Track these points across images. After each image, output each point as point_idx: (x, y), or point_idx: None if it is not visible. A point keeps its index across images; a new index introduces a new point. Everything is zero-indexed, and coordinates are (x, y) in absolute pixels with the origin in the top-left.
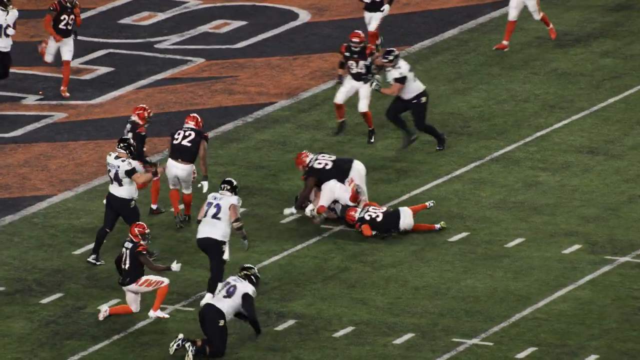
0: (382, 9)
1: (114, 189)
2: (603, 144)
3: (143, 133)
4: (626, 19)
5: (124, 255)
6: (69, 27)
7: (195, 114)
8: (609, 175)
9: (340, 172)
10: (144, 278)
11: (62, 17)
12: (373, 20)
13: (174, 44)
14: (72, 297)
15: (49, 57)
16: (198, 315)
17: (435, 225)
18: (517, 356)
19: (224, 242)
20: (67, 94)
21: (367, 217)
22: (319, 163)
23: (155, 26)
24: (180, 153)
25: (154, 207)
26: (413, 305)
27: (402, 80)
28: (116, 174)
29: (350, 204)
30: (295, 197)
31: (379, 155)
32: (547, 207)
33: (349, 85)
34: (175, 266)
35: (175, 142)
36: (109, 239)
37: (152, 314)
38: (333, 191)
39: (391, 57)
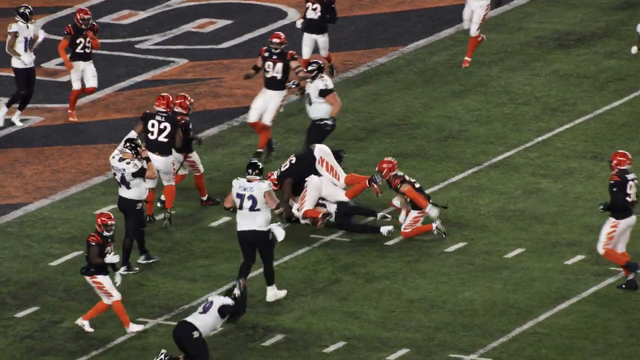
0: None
1: (123, 192)
2: (607, 149)
3: (184, 122)
4: (631, 18)
5: None
6: (87, 51)
7: (165, 94)
8: None
9: (307, 161)
10: (100, 278)
11: (78, 41)
12: (320, 45)
13: (155, 44)
14: (48, 310)
15: (76, 84)
16: (173, 335)
17: (433, 225)
18: None
19: (269, 231)
20: (76, 119)
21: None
22: (285, 166)
23: (135, 25)
24: (157, 147)
25: (204, 198)
26: (407, 319)
27: (330, 91)
28: (122, 177)
29: (345, 198)
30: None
31: (372, 161)
32: (549, 215)
33: (262, 99)
34: (109, 258)
35: (151, 136)
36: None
37: (129, 330)
38: (319, 188)
39: (312, 68)
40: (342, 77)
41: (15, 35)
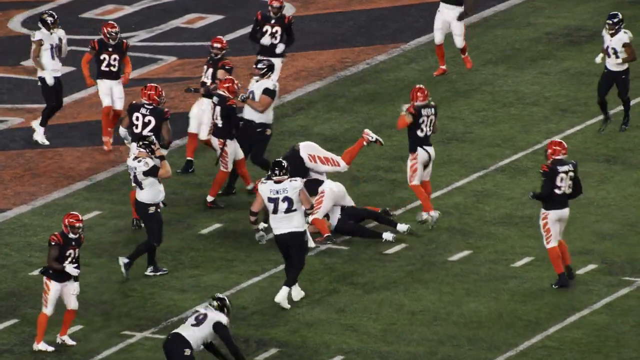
0: (281, 53)
1: (138, 194)
2: (621, 152)
3: (234, 106)
4: None
5: None
6: (114, 69)
7: (152, 84)
8: (627, 187)
9: (295, 162)
10: (52, 285)
11: (102, 57)
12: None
13: (142, 41)
14: (28, 323)
15: (106, 100)
16: (163, 347)
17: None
18: None
19: (305, 232)
20: (110, 147)
21: None
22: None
23: (121, 21)
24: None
25: (250, 187)
26: (409, 332)
27: (272, 94)
28: (135, 176)
29: (350, 203)
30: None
31: (371, 165)
32: None
33: (197, 107)
34: (70, 268)
35: (135, 130)
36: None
37: (36, 346)
38: (334, 198)
39: (262, 66)
40: (340, 76)
41: (40, 43)
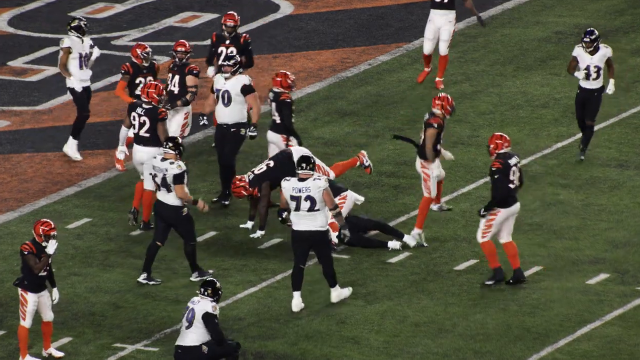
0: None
1: (162, 196)
2: (634, 156)
3: (289, 100)
4: None
5: None
6: None
7: (153, 82)
8: None
9: (288, 165)
10: (29, 296)
11: (137, 81)
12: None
13: (133, 41)
14: (15, 335)
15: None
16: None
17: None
18: None
19: (328, 230)
20: (122, 167)
21: None
22: (260, 169)
23: (112, 20)
24: (140, 140)
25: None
26: (413, 345)
27: (253, 89)
28: (164, 178)
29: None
30: (251, 215)
31: (373, 170)
32: (569, 230)
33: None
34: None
35: (133, 130)
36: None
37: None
38: (352, 199)
39: (234, 62)
40: (341, 77)
41: (68, 51)
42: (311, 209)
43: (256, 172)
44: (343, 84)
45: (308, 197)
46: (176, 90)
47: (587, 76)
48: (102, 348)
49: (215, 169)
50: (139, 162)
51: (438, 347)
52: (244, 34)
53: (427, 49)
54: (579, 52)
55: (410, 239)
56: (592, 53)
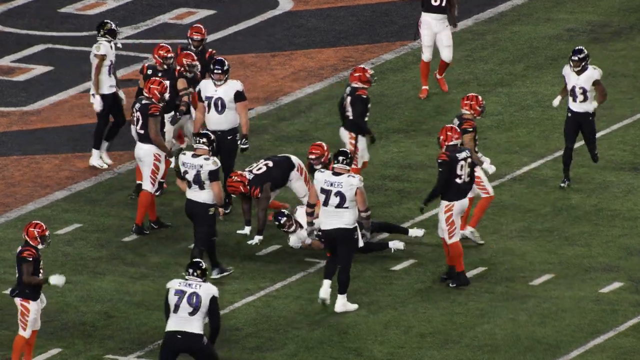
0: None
1: (193, 194)
2: None
3: (364, 96)
4: None
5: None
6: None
7: (157, 78)
8: None
9: (285, 168)
10: (31, 305)
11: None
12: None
13: (126, 38)
14: (2, 346)
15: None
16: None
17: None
18: None
19: (355, 229)
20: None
21: None
22: (259, 169)
23: (103, 16)
24: (139, 137)
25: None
26: (418, 356)
27: (245, 97)
28: (197, 175)
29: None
30: (246, 219)
31: (377, 174)
32: (581, 236)
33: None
34: (55, 279)
35: (133, 125)
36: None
37: None
38: None
39: (226, 67)
40: (342, 76)
41: (103, 58)
42: (339, 206)
43: (255, 171)
44: (345, 83)
45: (338, 193)
46: (167, 95)
47: (574, 99)
48: (93, 359)
49: None
50: (138, 159)
51: (444, 359)
52: (210, 49)
53: (427, 56)
54: (567, 71)
55: (416, 232)
56: (578, 73)
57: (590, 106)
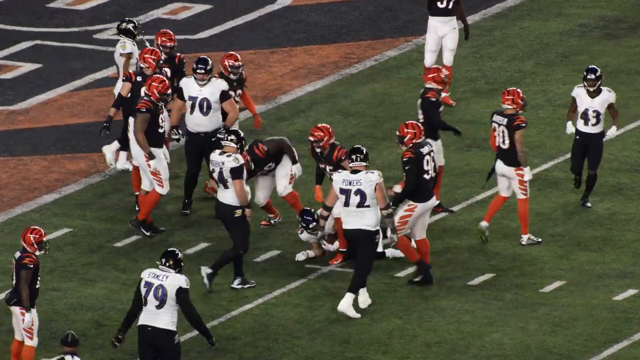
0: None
1: (220, 194)
2: None
3: (434, 99)
4: None
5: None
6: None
7: (159, 76)
8: None
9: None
10: (33, 313)
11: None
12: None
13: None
14: (4, 355)
15: None
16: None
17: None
18: None
19: (377, 232)
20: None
21: None
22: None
23: (94, 11)
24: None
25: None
26: None
27: (230, 95)
28: (220, 173)
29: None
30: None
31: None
32: (594, 241)
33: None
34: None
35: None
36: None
37: None
38: None
39: (208, 66)
40: (344, 74)
41: (129, 57)
42: (360, 205)
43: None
44: (347, 81)
45: (358, 191)
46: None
47: (586, 122)
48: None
49: (207, 174)
50: (135, 159)
51: None
52: (179, 54)
53: (429, 61)
54: (578, 92)
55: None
56: (592, 95)
57: (599, 128)
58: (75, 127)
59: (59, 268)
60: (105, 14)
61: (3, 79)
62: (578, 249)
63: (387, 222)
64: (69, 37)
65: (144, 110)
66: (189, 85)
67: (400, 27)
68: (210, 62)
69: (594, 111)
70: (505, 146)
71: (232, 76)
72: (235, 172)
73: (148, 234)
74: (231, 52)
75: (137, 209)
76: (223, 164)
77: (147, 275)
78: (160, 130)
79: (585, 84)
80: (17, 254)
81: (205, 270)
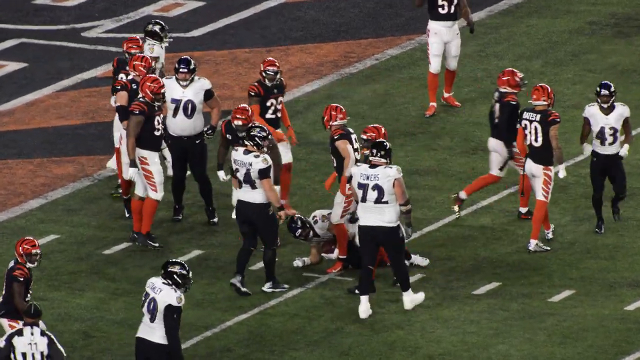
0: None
1: (244, 194)
2: None
3: (514, 102)
4: None
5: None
6: (279, 115)
7: (153, 76)
8: None
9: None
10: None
11: (268, 103)
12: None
13: (107, 32)
14: None
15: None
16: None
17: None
18: None
19: (399, 227)
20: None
21: None
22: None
23: (82, 8)
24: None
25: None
26: None
27: (213, 92)
28: (247, 173)
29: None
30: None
31: None
32: (605, 248)
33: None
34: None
35: None
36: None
37: None
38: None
39: (192, 66)
40: (344, 73)
41: (156, 60)
42: (378, 201)
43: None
44: (346, 81)
45: (376, 186)
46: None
47: (602, 141)
48: None
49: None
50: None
51: None
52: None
53: (435, 67)
54: (591, 112)
55: (421, 260)
56: (607, 112)
57: (617, 147)
58: (63, 130)
59: (45, 277)
60: (94, 11)
61: None
62: (588, 256)
63: (404, 218)
64: (56, 35)
65: (137, 112)
66: (172, 87)
67: (402, 25)
68: (192, 61)
69: (610, 128)
70: (538, 143)
71: (267, 82)
72: (264, 173)
73: (156, 244)
74: (269, 57)
75: (127, 215)
76: (251, 164)
77: (148, 284)
78: (157, 134)
79: (599, 100)
80: (11, 264)
81: (266, 288)
